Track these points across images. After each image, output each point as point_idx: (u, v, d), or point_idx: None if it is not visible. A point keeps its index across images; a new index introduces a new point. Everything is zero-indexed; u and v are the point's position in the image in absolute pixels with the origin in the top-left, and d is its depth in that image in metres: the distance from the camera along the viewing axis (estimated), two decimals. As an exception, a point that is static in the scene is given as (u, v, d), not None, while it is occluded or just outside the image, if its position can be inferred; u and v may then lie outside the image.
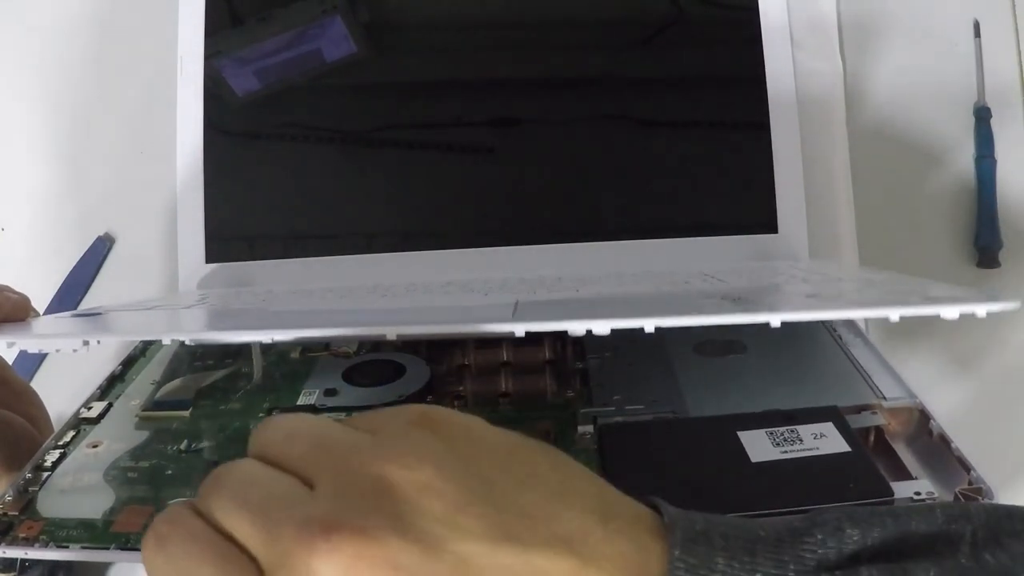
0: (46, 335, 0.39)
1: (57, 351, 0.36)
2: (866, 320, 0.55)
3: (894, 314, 0.30)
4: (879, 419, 0.39)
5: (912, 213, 0.60)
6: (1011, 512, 0.28)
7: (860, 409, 0.40)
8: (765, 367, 0.45)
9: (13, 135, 0.66)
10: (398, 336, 0.32)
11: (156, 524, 0.27)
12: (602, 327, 0.31)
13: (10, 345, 0.35)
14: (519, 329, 0.32)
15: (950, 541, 0.27)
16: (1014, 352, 0.58)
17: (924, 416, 0.39)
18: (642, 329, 0.30)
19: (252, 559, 0.25)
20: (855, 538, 0.26)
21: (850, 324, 0.49)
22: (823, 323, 0.49)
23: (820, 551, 0.26)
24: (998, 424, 0.57)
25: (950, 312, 0.29)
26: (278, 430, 0.28)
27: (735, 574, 0.25)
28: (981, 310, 0.29)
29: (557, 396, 0.44)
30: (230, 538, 0.26)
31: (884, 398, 0.41)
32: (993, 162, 0.60)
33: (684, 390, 0.43)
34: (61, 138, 0.65)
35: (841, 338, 0.48)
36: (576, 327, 0.31)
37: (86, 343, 0.35)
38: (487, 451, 0.27)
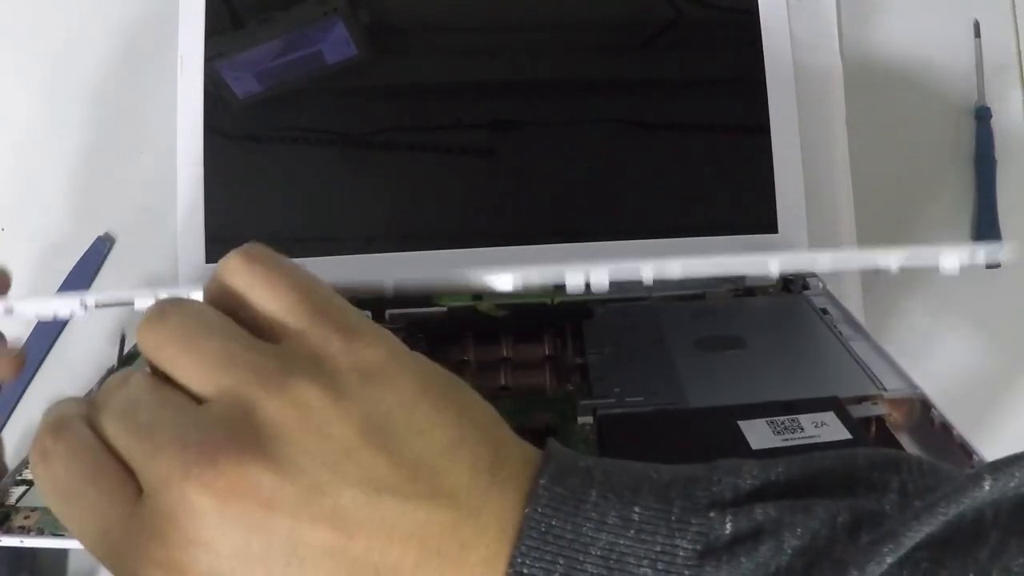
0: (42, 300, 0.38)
1: (54, 317, 0.35)
2: (865, 315, 0.55)
3: (894, 262, 0.29)
4: (880, 409, 0.39)
5: (912, 212, 0.60)
6: (953, 471, 0.26)
7: (861, 400, 0.40)
8: (765, 362, 0.45)
9: (13, 135, 0.66)
10: (396, 290, 0.31)
11: (42, 435, 0.26)
12: (599, 275, 0.30)
13: (8, 311, 0.35)
14: (516, 280, 0.31)
15: (872, 487, 0.25)
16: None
17: (926, 406, 0.39)
18: (640, 282, 0.30)
19: (134, 479, 0.24)
20: (754, 473, 0.25)
21: (850, 320, 0.49)
22: (823, 319, 0.49)
23: (715, 489, 0.25)
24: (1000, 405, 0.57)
25: (950, 261, 0.29)
26: (175, 334, 0.26)
27: (608, 507, 0.24)
28: (980, 257, 0.29)
29: (557, 390, 0.44)
30: (116, 453, 0.25)
31: (885, 389, 0.41)
32: (993, 162, 0.60)
33: (684, 385, 0.43)
34: (61, 138, 0.65)
35: (842, 334, 0.47)
36: (574, 277, 0.30)
37: (84, 306, 0.34)
38: (396, 393, 0.25)
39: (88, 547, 0.26)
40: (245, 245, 0.28)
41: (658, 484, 0.25)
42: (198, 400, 0.25)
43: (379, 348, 0.26)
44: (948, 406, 0.39)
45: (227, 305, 0.27)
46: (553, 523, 0.24)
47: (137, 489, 0.24)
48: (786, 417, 0.37)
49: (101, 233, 0.63)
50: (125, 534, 0.24)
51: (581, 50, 0.59)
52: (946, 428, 0.37)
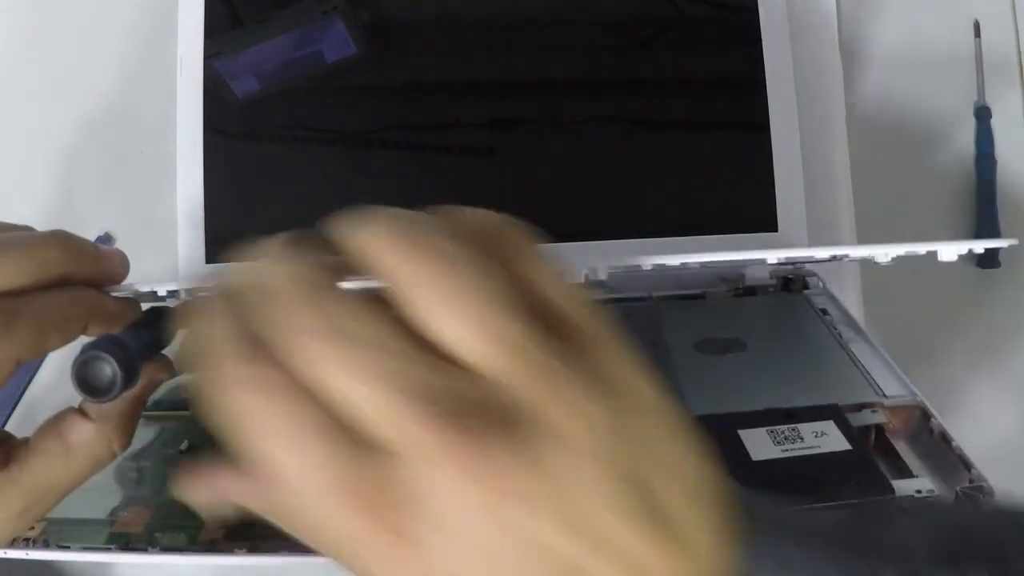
0: None
1: None
2: (864, 313, 0.55)
3: (892, 251, 0.29)
4: (880, 417, 0.39)
5: (912, 212, 0.60)
6: None
7: (861, 407, 0.40)
8: (765, 366, 0.46)
9: (13, 135, 0.66)
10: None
11: (225, 356, 0.23)
12: (599, 267, 0.30)
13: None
14: None
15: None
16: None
17: (925, 414, 0.39)
18: (639, 266, 0.30)
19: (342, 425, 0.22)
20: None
21: (850, 321, 0.49)
22: (823, 320, 0.49)
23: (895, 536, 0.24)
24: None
25: (948, 252, 0.29)
26: (433, 258, 0.23)
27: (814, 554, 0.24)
28: (978, 246, 0.29)
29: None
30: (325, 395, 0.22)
31: (885, 396, 0.41)
32: (993, 162, 0.60)
33: (684, 388, 0.43)
34: (61, 138, 0.65)
35: (841, 336, 0.48)
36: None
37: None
38: (659, 441, 0.24)
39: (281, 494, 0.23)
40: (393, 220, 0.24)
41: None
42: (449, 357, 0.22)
43: (647, 396, 0.25)
44: (945, 408, 0.39)
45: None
46: None
47: (348, 437, 0.22)
48: (786, 426, 0.38)
49: (101, 233, 0.63)
50: (342, 482, 0.22)
51: (581, 49, 0.59)
52: (945, 439, 0.37)
